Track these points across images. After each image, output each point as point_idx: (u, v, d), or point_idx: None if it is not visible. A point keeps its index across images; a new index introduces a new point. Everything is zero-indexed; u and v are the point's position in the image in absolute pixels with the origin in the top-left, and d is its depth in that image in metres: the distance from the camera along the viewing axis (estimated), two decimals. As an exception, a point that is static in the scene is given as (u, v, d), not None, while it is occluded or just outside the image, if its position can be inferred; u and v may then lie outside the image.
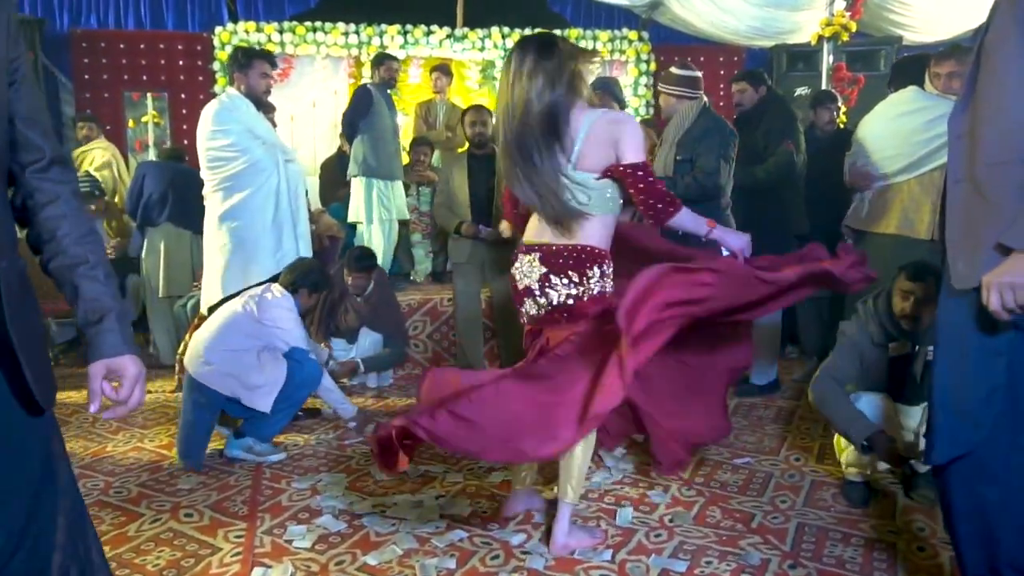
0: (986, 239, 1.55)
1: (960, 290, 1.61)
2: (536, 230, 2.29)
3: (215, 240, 3.60)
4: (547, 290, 2.24)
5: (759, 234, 3.76)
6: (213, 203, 3.60)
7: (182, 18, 7.29)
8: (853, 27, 5.03)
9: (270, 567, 2.26)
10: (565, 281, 2.22)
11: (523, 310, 2.34)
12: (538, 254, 2.25)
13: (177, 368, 4.35)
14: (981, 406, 1.64)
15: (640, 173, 2.16)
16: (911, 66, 3.61)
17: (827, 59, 5.16)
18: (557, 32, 7.02)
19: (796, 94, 7.16)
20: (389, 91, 5.16)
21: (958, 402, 1.68)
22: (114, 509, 2.68)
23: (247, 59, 3.61)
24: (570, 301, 2.22)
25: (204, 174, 3.62)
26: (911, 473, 2.72)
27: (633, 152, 2.16)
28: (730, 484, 2.89)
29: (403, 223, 5.27)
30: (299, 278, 3.36)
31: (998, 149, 1.55)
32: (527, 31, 7.09)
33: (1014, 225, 1.51)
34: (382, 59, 5.13)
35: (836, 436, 2.81)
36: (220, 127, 3.52)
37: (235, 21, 7.00)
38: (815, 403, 2.74)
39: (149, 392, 4.28)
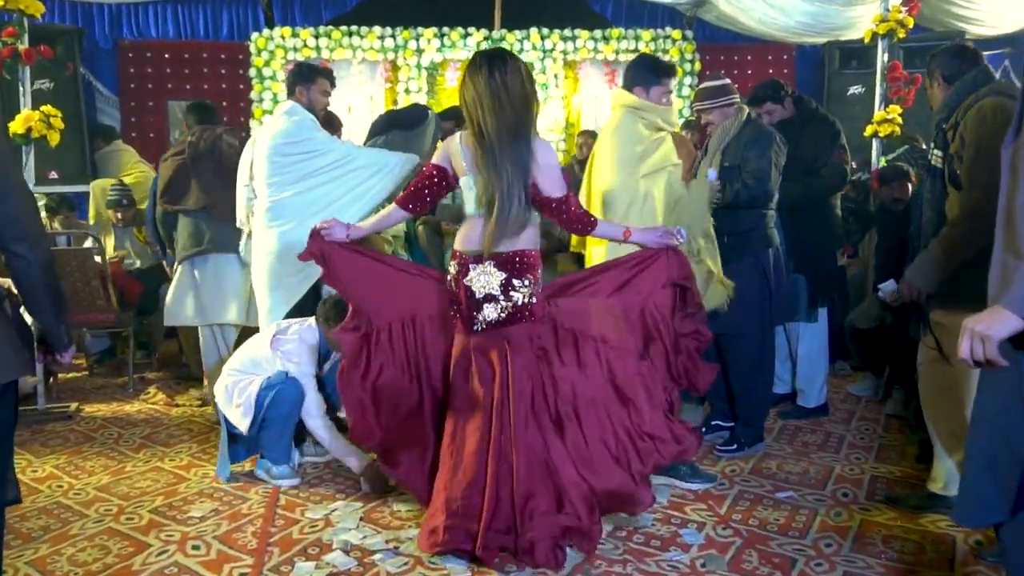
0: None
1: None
2: (479, 238, 2.33)
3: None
4: (511, 293, 2.32)
5: (803, 250, 3.58)
6: None
7: (218, 26, 7.31)
8: (910, 23, 4.67)
9: (271, 611, 2.15)
10: (526, 282, 2.33)
11: (480, 317, 2.34)
12: (492, 262, 2.32)
13: (205, 381, 4.31)
14: (1009, 472, 1.55)
15: (564, 206, 2.38)
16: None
17: (882, 57, 4.81)
18: (598, 33, 6.92)
19: (849, 93, 6.85)
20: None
21: (992, 468, 1.60)
22: (123, 538, 2.60)
23: (311, 74, 3.58)
24: (534, 300, 2.34)
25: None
26: None
27: (556, 186, 2.35)
28: (770, 522, 2.69)
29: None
30: (321, 308, 3.15)
31: None
32: (567, 32, 6.91)
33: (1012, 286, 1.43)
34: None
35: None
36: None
37: (271, 27, 6.97)
38: None
39: (178, 405, 4.25)
